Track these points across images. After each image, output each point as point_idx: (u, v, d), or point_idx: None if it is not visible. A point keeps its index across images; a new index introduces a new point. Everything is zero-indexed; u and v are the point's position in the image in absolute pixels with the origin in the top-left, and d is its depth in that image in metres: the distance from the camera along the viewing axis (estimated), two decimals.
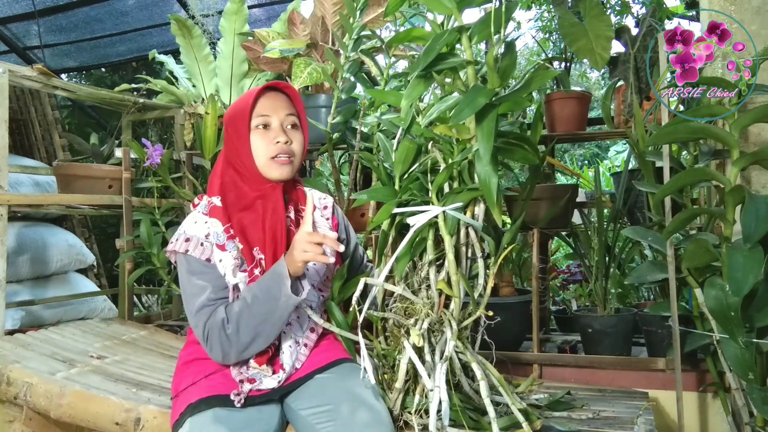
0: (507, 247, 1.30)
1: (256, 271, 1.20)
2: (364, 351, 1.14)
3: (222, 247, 1.19)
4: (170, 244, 1.21)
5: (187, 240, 1.19)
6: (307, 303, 1.24)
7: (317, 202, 1.37)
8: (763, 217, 1.21)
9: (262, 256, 1.22)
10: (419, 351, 1.17)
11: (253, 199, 1.23)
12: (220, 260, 1.18)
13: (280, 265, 1.13)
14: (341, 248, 1.13)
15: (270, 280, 1.13)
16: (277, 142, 1.21)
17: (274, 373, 1.20)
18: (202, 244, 1.18)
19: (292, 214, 1.28)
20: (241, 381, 1.18)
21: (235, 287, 1.19)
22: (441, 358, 1.15)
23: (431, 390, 1.09)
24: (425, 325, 1.17)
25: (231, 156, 1.25)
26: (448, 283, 1.21)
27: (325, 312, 1.30)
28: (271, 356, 1.21)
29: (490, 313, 1.22)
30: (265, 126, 1.23)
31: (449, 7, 1.10)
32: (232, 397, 1.14)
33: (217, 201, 1.23)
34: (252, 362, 1.20)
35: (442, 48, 1.08)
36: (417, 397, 1.15)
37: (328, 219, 1.36)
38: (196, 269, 1.18)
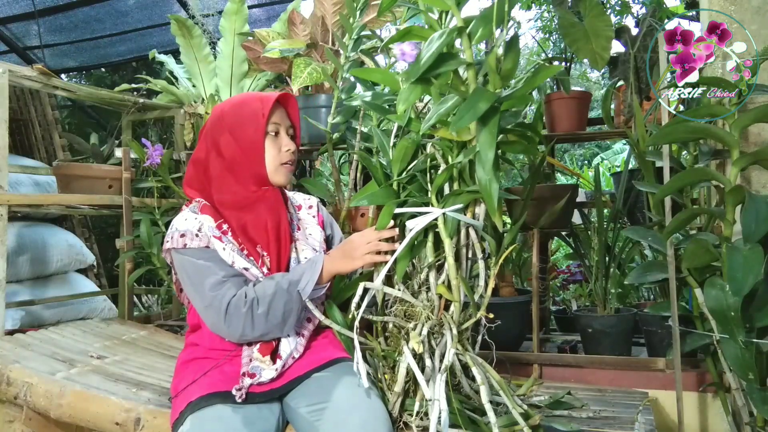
0: (508, 248, 1.29)
1: (264, 269, 1.24)
2: (358, 354, 1.12)
3: (219, 239, 1.21)
4: (165, 243, 1.23)
5: (182, 235, 1.20)
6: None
7: (303, 202, 1.44)
8: (763, 217, 1.21)
9: (266, 254, 1.25)
10: (419, 355, 1.16)
11: (253, 200, 1.26)
12: (224, 248, 1.20)
13: (318, 261, 1.21)
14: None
15: (308, 272, 1.19)
16: (287, 150, 1.28)
17: (272, 362, 1.21)
18: (197, 236, 1.20)
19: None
20: (243, 374, 1.18)
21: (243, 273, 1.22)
22: (441, 361, 1.14)
23: (430, 401, 1.07)
24: (425, 330, 1.16)
25: (231, 158, 1.25)
26: (448, 286, 1.21)
27: (322, 304, 1.32)
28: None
29: (491, 316, 1.21)
30: (276, 134, 1.28)
31: (448, 3, 1.05)
32: (233, 392, 1.14)
33: (204, 201, 1.27)
34: (256, 353, 1.21)
35: (442, 48, 1.03)
36: (417, 403, 1.14)
37: (314, 216, 1.42)
38: (199, 256, 1.20)
